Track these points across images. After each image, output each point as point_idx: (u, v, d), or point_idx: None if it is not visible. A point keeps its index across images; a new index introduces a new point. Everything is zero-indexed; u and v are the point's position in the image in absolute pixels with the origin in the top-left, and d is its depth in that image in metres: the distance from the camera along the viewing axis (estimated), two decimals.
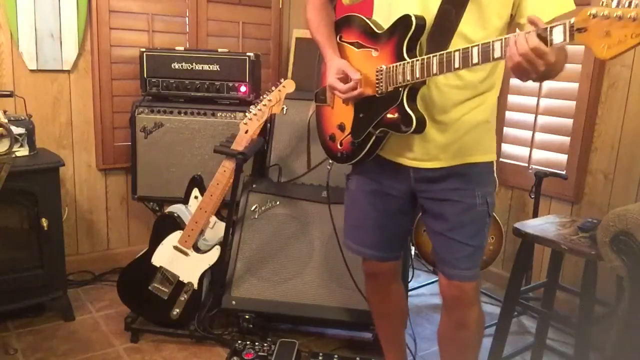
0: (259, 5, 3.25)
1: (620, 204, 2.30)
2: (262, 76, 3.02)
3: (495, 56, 1.22)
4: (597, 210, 2.51)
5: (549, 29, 1.12)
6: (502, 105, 2.91)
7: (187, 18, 3.05)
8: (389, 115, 1.46)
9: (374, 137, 1.53)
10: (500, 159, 2.95)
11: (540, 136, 2.77)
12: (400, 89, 1.43)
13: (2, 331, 2.37)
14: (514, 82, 2.85)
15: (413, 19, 1.39)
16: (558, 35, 1.11)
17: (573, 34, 1.08)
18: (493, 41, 1.22)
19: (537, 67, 1.16)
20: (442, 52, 1.32)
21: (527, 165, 2.82)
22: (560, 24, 1.10)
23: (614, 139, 2.47)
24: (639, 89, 2.36)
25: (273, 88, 2.24)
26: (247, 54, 2.75)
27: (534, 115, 2.76)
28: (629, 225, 1.62)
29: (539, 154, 2.78)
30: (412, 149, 1.54)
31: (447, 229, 1.57)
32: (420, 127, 1.43)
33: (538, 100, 2.73)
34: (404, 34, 1.42)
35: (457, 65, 1.30)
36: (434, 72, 1.34)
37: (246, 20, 3.22)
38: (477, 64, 1.26)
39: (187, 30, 3.06)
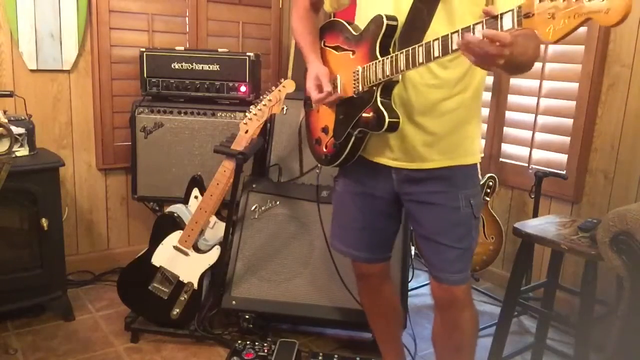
0: (259, 5, 3.25)
1: (620, 204, 2.30)
2: (262, 76, 3.02)
3: (454, 48, 1.23)
4: (597, 210, 2.51)
5: (499, 17, 1.13)
6: (502, 105, 2.91)
7: (187, 18, 3.05)
8: (364, 115, 1.49)
9: (353, 138, 1.55)
10: (500, 159, 2.95)
11: (540, 136, 2.77)
12: (374, 87, 1.46)
13: (2, 331, 2.37)
14: (514, 81, 2.86)
15: (384, 19, 1.42)
16: (507, 22, 1.12)
17: (520, 20, 1.09)
18: (451, 33, 1.23)
19: (501, 52, 1.13)
20: (407, 48, 1.34)
21: (527, 165, 2.82)
22: (509, 12, 1.11)
23: (614, 139, 2.47)
24: (639, 89, 2.36)
25: (273, 88, 2.24)
26: (247, 54, 2.75)
27: (534, 115, 2.75)
28: (629, 225, 1.62)
29: (539, 154, 2.78)
30: (392, 150, 1.55)
31: (433, 232, 1.57)
32: (393, 126, 1.45)
33: (538, 100, 2.73)
34: (376, 35, 1.45)
35: (420, 60, 1.31)
36: (402, 68, 1.36)
37: (246, 20, 3.22)
38: (439, 56, 1.27)
39: (187, 30, 3.06)
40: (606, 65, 2.47)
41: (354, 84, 1.51)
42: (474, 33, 1.17)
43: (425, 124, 1.51)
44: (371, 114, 1.47)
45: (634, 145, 2.40)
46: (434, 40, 1.27)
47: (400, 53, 1.36)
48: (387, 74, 1.40)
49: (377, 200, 1.66)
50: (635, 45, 2.35)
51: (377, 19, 1.44)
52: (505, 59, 1.15)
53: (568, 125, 2.62)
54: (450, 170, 1.54)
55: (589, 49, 2.48)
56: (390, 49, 1.45)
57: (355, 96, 1.52)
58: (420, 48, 1.31)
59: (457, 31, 1.22)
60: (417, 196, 1.58)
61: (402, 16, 1.44)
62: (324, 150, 1.67)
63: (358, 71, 1.50)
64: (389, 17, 1.43)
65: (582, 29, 2.49)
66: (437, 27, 1.41)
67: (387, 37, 1.44)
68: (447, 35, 1.24)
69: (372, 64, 1.44)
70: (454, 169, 1.55)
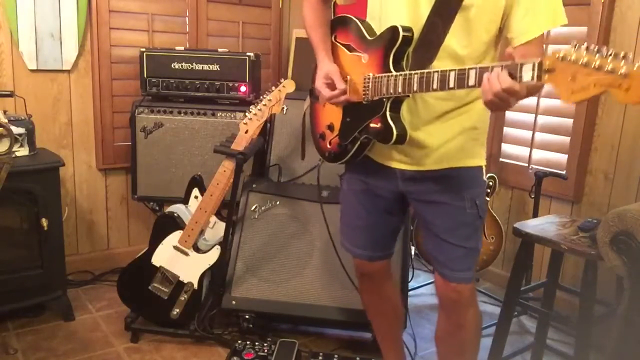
0: (259, 5, 3.25)
1: (620, 204, 2.30)
2: (262, 76, 3.02)
3: (470, 84, 1.23)
4: (597, 210, 2.51)
5: (519, 66, 1.13)
6: None
7: (187, 18, 3.05)
8: (372, 125, 1.49)
9: (359, 142, 1.56)
10: (500, 159, 2.95)
11: (540, 136, 2.77)
12: (384, 99, 1.45)
13: (2, 331, 2.37)
14: None
15: (400, 32, 1.40)
16: (527, 74, 1.12)
17: (541, 75, 1.08)
18: (469, 69, 1.23)
19: (509, 103, 1.18)
20: (422, 71, 1.34)
21: (527, 165, 2.82)
22: (529, 63, 1.11)
23: (614, 139, 2.47)
24: None
25: (273, 88, 2.24)
26: (247, 54, 2.75)
27: (534, 115, 2.76)
28: (629, 225, 1.62)
29: (539, 154, 2.78)
30: (398, 153, 1.56)
31: (439, 231, 1.58)
32: (400, 140, 1.45)
33: (538, 100, 2.73)
34: (390, 46, 1.43)
35: (435, 87, 1.31)
36: (414, 89, 1.36)
37: (246, 20, 3.22)
38: (453, 88, 1.27)
39: (187, 30, 3.06)
40: None
41: (364, 90, 1.49)
42: (489, 80, 1.17)
43: (433, 130, 1.51)
44: (379, 125, 1.47)
45: (634, 145, 2.40)
46: (450, 71, 1.26)
47: (415, 74, 1.35)
48: (399, 90, 1.39)
49: (381, 199, 1.67)
50: (635, 45, 2.35)
51: (393, 31, 1.42)
52: (510, 105, 1.20)
53: (568, 125, 2.62)
54: (456, 171, 1.55)
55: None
56: (403, 62, 1.44)
57: (364, 102, 1.50)
58: (436, 74, 1.29)
59: (474, 67, 1.21)
60: (422, 195, 1.59)
61: (417, 28, 1.43)
62: (328, 146, 1.67)
63: (369, 78, 1.48)
64: (404, 29, 1.41)
65: (582, 29, 2.51)
66: (452, 42, 1.41)
67: (401, 48, 1.42)
68: (465, 69, 1.23)
69: (385, 76, 1.43)
70: (459, 170, 1.55)
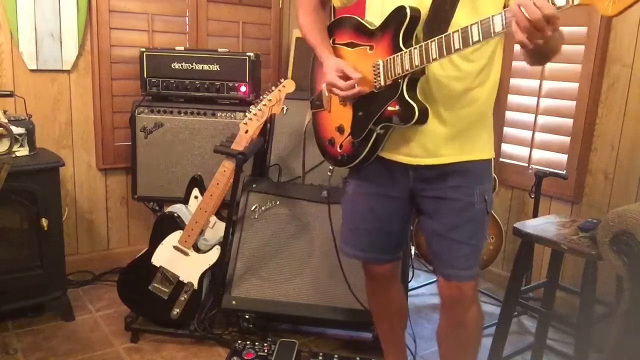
0: (259, 5, 3.25)
1: (620, 204, 2.30)
2: (262, 76, 3.02)
3: (497, 30, 1.21)
4: (597, 210, 2.51)
5: None
6: (502, 105, 2.91)
7: (187, 18, 3.05)
8: (389, 109, 1.45)
9: (374, 135, 1.52)
10: (500, 159, 2.95)
11: (540, 136, 2.77)
12: (399, 80, 1.42)
13: (2, 331, 2.38)
14: (514, 82, 2.86)
15: (407, 9, 1.39)
16: None
17: None
18: (493, 16, 1.21)
19: (544, 32, 1.13)
20: (440, 36, 1.31)
21: (527, 165, 2.82)
22: None
23: (614, 139, 2.47)
24: (639, 89, 2.36)
25: (273, 88, 2.24)
26: (247, 54, 2.75)
27: (534, 115, 2.75)
28: (629, 225, 1.62)
29: (539, 154, 2.78)
30: (411, 146, 1.53)
31: (445, 228, 1.56)
32: (423, 117, 1.42)
33: (538, 100, 2.73)
34: (399, 26, 1.41)
35: (457, 46, 1.28)
36: (434, 56, 1.33)
37: (246, 20, 3.22)
38: (479, 41, 1.25)
39: (187, 30, 3.06)
40: (606, 65, 2.47)
41: (375, 78, 1.47)
42: (521, 5, 1.13)
43: (447, 117, 1.49)
44: (397, 107, 1.43)
45: (634, 145, 2.39)
46: (472, 25, 1.24)
47: (432, 41, 1.33)
48: (416, 64, 1.36)
49: (392, 200, 1.64)
50: (635, 45, 2.35)
51: (400, 10, 1.40)
52: (545, 39, 1.14)
53: (568, 125, 2.62)
54: (467, 165, 1.53)
55: (589, 49, 2.48)
56: (413, 41, 1.42)
57: (375, 91, 1.48)
58: (456, 34, 1.28)
59: (499, 13, 1.19)
60: (433, 192, 1.57)
61: (424, 8, 1.41)
62: (339, 150, 1.63)
63: (379, 65, 1.45)
64: (412, 9, 1.39)
65: (582, 29, 2.51)
66: (460, 19, 1.38)
67: (410, 28, 1.40)
68: (488, 18, 1.21)
69: (397, 55, 1.40)
70: (470, 163, 1.54)
